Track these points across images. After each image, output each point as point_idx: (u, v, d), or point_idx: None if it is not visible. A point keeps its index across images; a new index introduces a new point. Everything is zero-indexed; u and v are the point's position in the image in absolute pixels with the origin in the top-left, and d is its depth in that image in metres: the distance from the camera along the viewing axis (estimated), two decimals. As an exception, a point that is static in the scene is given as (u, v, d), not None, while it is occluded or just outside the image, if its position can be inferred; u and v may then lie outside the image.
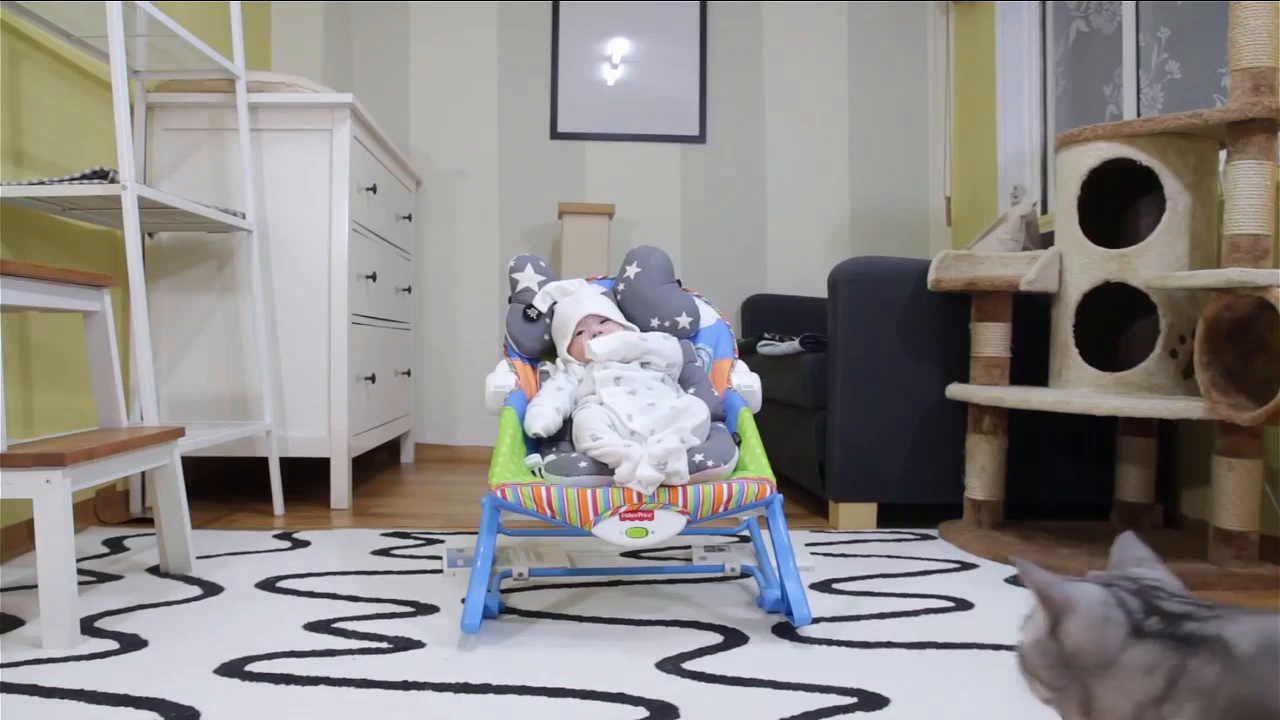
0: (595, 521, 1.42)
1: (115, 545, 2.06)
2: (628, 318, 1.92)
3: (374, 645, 1.42)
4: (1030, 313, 2.35)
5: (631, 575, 1.86)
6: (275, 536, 2.18)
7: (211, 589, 1.72)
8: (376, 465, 3.50)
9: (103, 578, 1.79)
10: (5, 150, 1.97)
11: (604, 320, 1.86)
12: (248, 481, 3.04)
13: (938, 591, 1.78)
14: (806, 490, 3.00)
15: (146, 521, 2.34)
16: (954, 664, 1.37)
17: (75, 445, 1.47)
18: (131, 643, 1.41)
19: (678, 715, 1.16)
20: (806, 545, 2.17)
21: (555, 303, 1.92)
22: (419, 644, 1.43)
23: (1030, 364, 2.36)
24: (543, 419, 1.66)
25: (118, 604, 1.61)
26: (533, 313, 1.92)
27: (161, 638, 1.43)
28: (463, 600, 1.65)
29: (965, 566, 1.99)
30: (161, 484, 1.78)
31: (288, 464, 3.21)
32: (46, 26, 2.07)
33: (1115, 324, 2.29)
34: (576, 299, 1.89)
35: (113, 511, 2.35)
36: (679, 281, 2.00)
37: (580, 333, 1.85)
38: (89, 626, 1.48)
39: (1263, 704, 0.54)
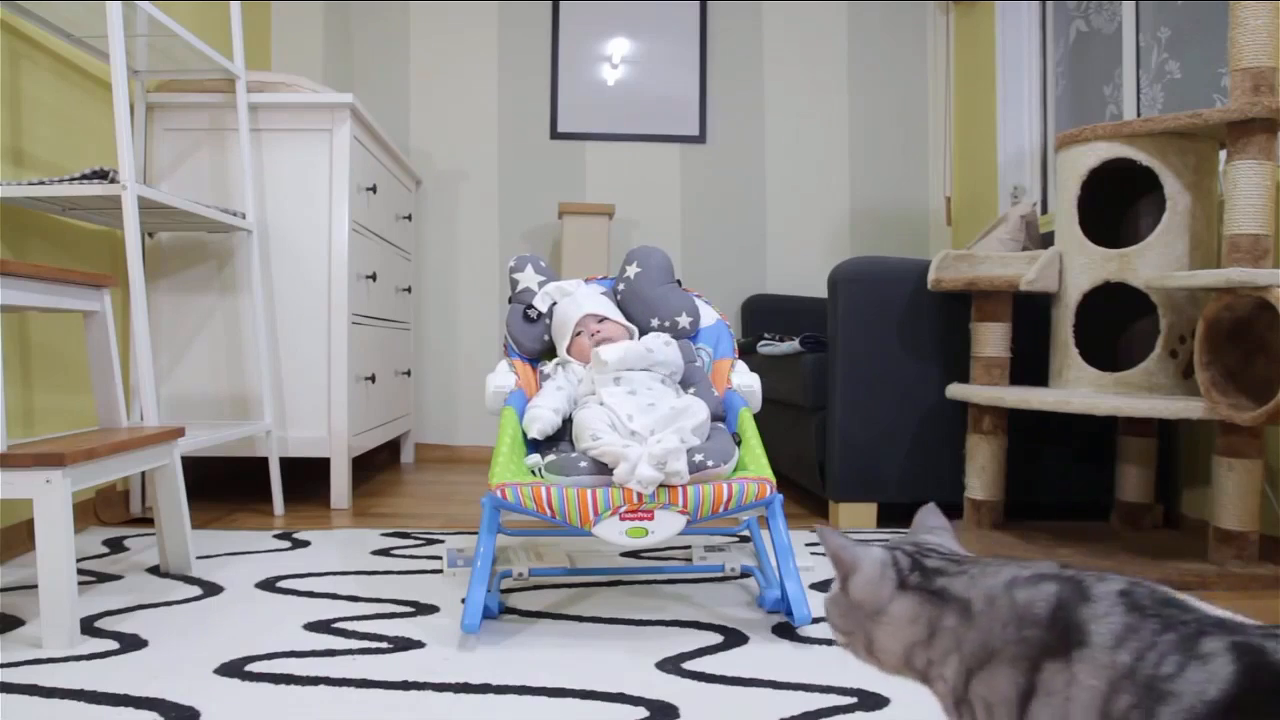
0: (595, 521, 1.42)
1: (115, 545, 2.06)
2: (628, 317, 1.92)
3: (374, 645, 1.42)
4: (1030, 313, 2.35)
5: (631, 575, 1.86)
6: (275, 536, 2.18)
7: (211, 589, 1.72)
8: (376, 465, 3.50)
9: (103, 578, 1.79)
10: (5, 150, 1.97)
11: (602, 320, 1.86)
12: (248, 481, 3.04)
13: (938, 591, 1.78)
14: (806, 490, 3.00)
15: (146, 521, 2.34)
16: (954, 664, 1.37)
17: (75, 445, 1.47)
18: (131, 643, 1.41)
19: (678, 715, 1.16)
20: (806, 545, 2.17)
21: (555, 303, 1.92)
22: (419, 644, 1.43)
23: (1030, 364, 2.36)
24: (539, 422, 1.66)
25: (118, 604, 1.61)
26: (533, 313, 1.92)
27: (161, 638, 1.44)
28: (463, 600, 1.65)
29: (965, 566, 1.99)
30: (161, 484, 1.78)
31: (288, 464, 3.21)
32: (46, 26, 2.07)
33: (1115, 324, 2.29)
34: (575, 299, 1.89)
35: (113, 511, 2.35)
36: (679, 281, 2.00)
37: (579, 333, 1.85)
38: (89, 626, 1.48)
39: (990, 648, 0.65)
